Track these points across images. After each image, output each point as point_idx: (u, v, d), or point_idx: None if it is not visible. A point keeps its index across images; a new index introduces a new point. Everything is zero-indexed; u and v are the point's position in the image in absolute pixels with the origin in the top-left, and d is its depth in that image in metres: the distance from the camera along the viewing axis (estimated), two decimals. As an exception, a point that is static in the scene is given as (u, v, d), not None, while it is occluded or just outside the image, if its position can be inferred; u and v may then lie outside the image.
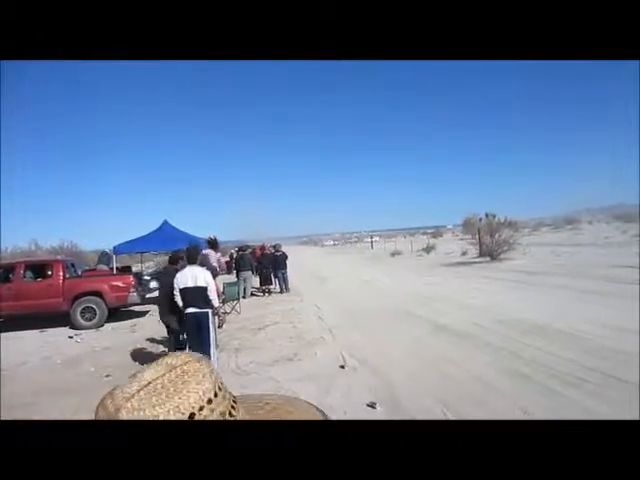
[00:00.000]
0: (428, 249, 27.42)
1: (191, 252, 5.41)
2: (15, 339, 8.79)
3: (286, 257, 13.76)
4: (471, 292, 10.24)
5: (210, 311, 5.21)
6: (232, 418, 0.60)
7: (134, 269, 14.82)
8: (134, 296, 9.88)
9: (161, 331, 8.52)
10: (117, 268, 11.84)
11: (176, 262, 5.85)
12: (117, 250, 11.50)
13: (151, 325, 9.48)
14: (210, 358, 4.98)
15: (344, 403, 4.20)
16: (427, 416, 3.79)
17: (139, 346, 7.35)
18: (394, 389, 4.52)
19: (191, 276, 5.14)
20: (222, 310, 5.48)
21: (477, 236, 20.47)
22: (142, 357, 6.59)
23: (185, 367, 0.58)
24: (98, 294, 9.62)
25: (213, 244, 7.55)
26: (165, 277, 5.82)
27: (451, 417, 3.75)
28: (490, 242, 18.91)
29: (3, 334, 8.85)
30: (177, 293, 5.19)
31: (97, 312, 9.56)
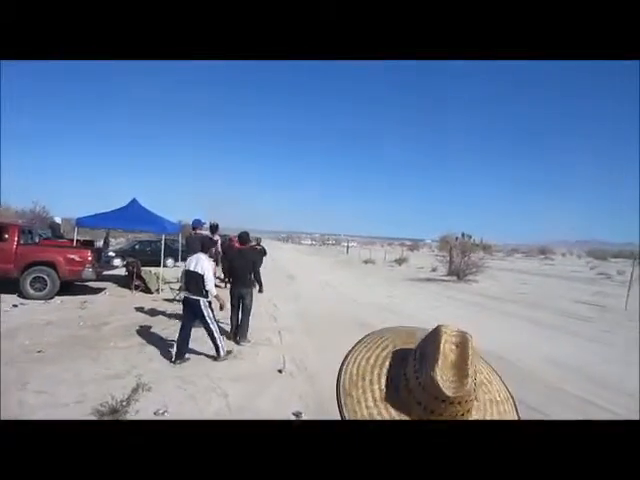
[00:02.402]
0: (400, 261, 27.65)
1: (205, 242, 5.91)
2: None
3: (265, 253, 13.61)
4: (429, 310, 10.34)
5: (202, 300, 5.44)
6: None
7: (98, 244, 14.48)
8: (89, 272, 9.56)
9: (110, 310, 8.38)
10: (78, 240, 11.47)
11: (245, 243, 6.91)
12: (80, 223, 11.10)
13: (103, 303, 9.27)
14: (216, 337, 5.52)
15: (271, 409, 4.16)
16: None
17: (82, 324, 7.12)
18: (325, 399, 4.49)
19: (195, 261, 5.52)
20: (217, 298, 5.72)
21: (449, 254, 20.71)
22: (83, 335, 6.40)
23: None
24: (51, 265, 9.29)
25: (214, 229, 8.52)
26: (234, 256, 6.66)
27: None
28: (459, 262, 19.14)
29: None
30: (183, 273, 5.82)
31: (48, 283, 9.21)
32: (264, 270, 10.14)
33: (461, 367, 0.61)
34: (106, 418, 3.64)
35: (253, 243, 13.73)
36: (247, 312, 6.55)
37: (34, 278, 9.21)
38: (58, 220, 12.48)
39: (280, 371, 5.29)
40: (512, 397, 0.73)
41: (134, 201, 11.72)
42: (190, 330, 5.55)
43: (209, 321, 5.48)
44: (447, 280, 18.71)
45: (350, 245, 55.52)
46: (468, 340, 0.64)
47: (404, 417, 0.64)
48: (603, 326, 9.50)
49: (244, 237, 6.93)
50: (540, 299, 13.28)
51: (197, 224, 8.15)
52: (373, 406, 0.66)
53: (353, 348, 0.76)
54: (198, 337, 6.65)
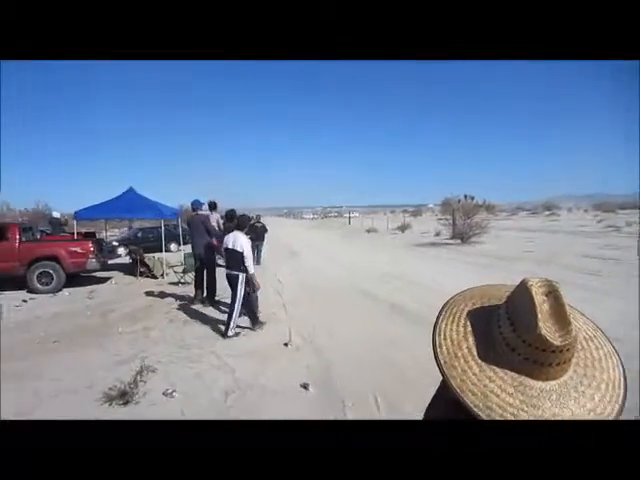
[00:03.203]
0: (403, 228, 27.58)
1: (240, 220, 6.09)
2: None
3: (265, 230, 13.74)
4: (437, 275, 10.32)
5: (241, 275, 5.69)
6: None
7: (102, 235, 14.54)
8: (93, 262, 9.67)
9: (117, 298, 8.49)
10: (79, 233, 11.53)
11: (231, 220, 6.92)
12: (78, 216, 11.11)
13: (110, 291, 9.40)
14: (232, 316, 5.71)
15: (277, 383, 4.21)
16: (357, 399, 3.82)
17: (90, 313, 7.23)
18: (332, 370, 4.54)
19: (232, 239, 5.74)
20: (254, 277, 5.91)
21: (452, 217, 20.56)
22: (91, 324, 6.50)
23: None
24: (55, 259, 9.40)
25: (212, 207, 8.59)
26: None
27: (381, 404, 3.75)
28: (463, 224, 19.00)
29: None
30: (223, 251, 6.00)
31: (54, 277, 9.37)
32: (267, 246, 10.23)
33: (560, 314, 0.64)
34: (116, 402, 3.72)
35: (252, 220, 13.81)
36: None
37: (40, 273, 9.37)
38: (57, 215, 12.54)
39: (286, 344, 5.34)
40: (600, 328, 0.76)
41: (130, 189, 11.69)
42: (249, 299, 5.90)
43: (238, 298, 5.68)
44: (451, 243, 18.66)
45: (352, 216, 55.35)
46: (556, 287, 0.66)
47: (513, 374, 0.66)
48: (611, 279, 9.38)
49: (231, 214, 6.97)
50: (547, 256, 13.17)
51: (197, 205, 8.26)
52: (479, 372, 0.68)
53: (437, 323, 0.77)
54: (203, 315, 6.77)
